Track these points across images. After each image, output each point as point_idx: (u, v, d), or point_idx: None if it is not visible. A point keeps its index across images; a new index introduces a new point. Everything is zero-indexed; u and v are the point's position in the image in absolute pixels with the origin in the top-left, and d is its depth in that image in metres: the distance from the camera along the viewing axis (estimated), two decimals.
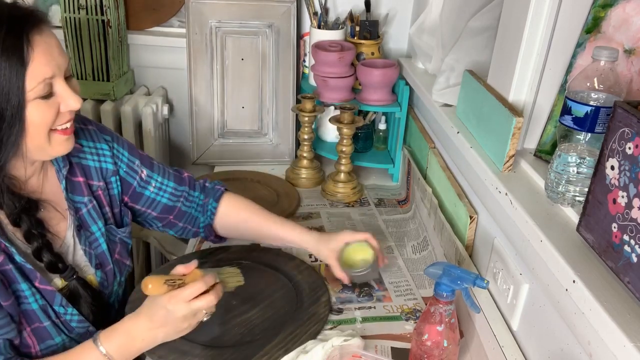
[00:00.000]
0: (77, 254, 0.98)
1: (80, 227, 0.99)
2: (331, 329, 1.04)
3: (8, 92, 0.78)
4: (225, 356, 0.95)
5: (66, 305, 0.92)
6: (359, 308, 1.11)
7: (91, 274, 1.00)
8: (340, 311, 1.10)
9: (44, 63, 0.80)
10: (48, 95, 0.83)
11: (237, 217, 1.19)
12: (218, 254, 1.22)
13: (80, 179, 1.00)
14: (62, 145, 0.88)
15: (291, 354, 0.94)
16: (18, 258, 0.87)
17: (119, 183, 1.06)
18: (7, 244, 0.86)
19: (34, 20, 0.80)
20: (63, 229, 0.97)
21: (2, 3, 0.80)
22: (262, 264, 1.19)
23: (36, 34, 0.79)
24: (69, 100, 0.85)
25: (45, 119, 0.83)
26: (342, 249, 1.13)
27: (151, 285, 0.86)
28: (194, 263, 0.93)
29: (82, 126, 1.03)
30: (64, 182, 0.96)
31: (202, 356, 0.94)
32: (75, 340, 0.94)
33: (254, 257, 1.22)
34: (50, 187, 0.96)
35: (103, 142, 1.04)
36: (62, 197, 0.97)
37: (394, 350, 1.00)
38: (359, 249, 1.13)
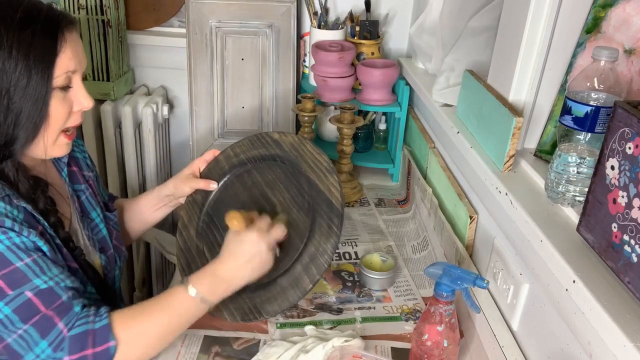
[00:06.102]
0: (83, 239, 1.02)
1: (82, 214, 1.03)
2: (331, 329, 1.04)
3: (40, 71, 0.83)
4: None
5: (85, 283, 0.95)
6: (359, 308, 1.11)
7: (97, 258, 1.03)
8: (340, 311, 1.10)
9: (70, 57, 0.87)
10: (66, 87, 0.88)
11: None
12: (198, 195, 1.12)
13: (75, 169, 1.06)
14: (62, 148, 0.94)
15: (291, 351, 0.94)
16: (50, 233, 0.89)
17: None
18: (44, 224, 0.88)
19: (69, 20, 0.89)
20: (69, 214, 1.01)
21: (41, 3, 0.88)
22: (249, 165, 1.11)
23: (68, 32, 0.87)
24: (82, 98, 0.91)
25: (61, 113, 0.88)
26: (369, 254, 1.21)
27: (236, 220, 0.93)
28: (212, 152, 1.11)
29: None
30: (65, 169, 1.02)
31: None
32: None
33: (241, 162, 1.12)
34: (52, 176, 1.00)
35: (79, 138, 1.12)
36: (63, 185, 1.02)
37: (394, 350, 1.00)
38: (385, 261, 1.21)
